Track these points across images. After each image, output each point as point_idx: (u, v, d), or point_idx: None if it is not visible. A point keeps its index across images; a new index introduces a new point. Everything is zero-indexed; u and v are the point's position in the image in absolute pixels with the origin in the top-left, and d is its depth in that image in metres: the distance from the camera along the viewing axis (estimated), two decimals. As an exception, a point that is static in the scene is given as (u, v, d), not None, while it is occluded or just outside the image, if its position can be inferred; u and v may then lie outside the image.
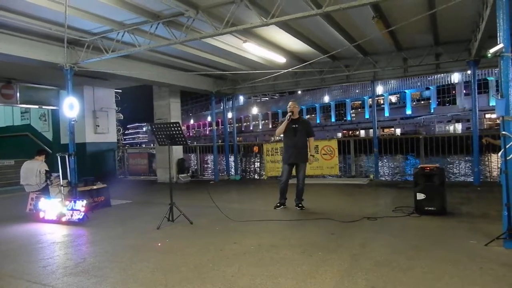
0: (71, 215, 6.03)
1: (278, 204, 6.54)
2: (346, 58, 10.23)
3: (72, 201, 6.14)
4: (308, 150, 6.42)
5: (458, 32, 8.35)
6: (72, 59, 7.73)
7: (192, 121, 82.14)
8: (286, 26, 7.49)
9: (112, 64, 8.66)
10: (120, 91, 14.22)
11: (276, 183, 7.53)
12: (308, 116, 54.99)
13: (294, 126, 6.39)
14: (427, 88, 42.32)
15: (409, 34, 8.41)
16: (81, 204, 6.04)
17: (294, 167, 6.45)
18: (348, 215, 5.76)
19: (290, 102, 6.55)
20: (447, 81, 39.93)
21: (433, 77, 38.76)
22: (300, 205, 6.46)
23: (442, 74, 34.31)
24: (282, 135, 6.50)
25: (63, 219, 6.08)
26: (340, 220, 5.46)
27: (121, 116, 15.75)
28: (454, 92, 40.12)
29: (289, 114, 6.39)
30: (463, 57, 9.07)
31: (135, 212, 6.92)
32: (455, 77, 39.04)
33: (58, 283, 3.43)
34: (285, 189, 6.49)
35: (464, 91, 38.43)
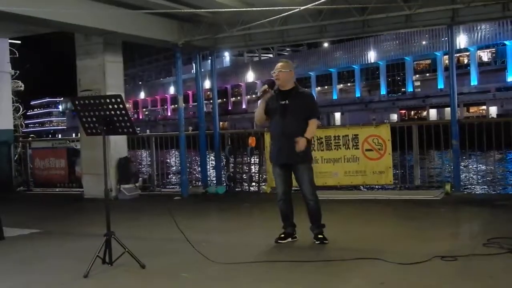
0: None
1: (282, 235, 6.57)
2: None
3: None
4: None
5: None
6: None
7: (143, 95, 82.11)
8: None
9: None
10: (19, 42, 14.13)
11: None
12: (342, 86, 54.98)
13: (282, 103, 6.44)
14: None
15: None
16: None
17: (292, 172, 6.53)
18: (409, 253, 5.78)
19: (279, 64, 6.65)
20: None
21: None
22: (320, 236, 6.42)
23: None
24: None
25: None
26: (395, 261, 5.48)
27: (21, 85, 15.65)
28: None
29: (264, 89, 6.51)
30: None
31: (47, 249, 6.91)
32: None
33: None
34: (289, 210, 6.57)
35: None
